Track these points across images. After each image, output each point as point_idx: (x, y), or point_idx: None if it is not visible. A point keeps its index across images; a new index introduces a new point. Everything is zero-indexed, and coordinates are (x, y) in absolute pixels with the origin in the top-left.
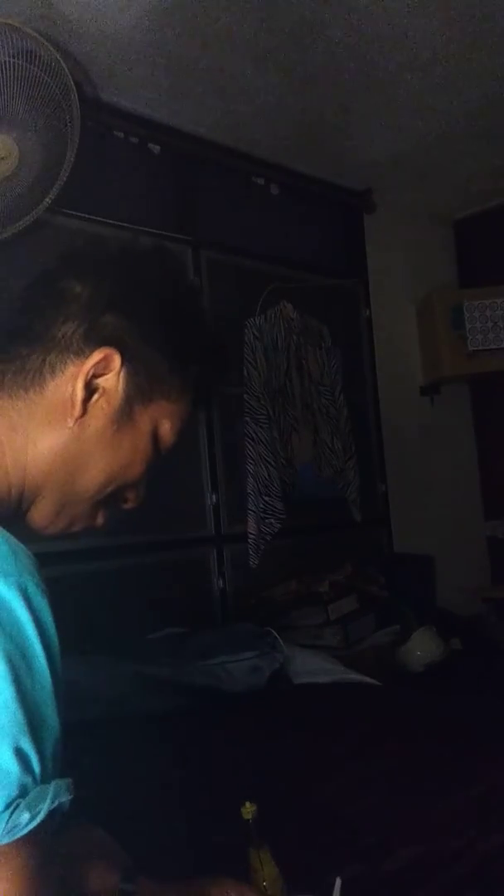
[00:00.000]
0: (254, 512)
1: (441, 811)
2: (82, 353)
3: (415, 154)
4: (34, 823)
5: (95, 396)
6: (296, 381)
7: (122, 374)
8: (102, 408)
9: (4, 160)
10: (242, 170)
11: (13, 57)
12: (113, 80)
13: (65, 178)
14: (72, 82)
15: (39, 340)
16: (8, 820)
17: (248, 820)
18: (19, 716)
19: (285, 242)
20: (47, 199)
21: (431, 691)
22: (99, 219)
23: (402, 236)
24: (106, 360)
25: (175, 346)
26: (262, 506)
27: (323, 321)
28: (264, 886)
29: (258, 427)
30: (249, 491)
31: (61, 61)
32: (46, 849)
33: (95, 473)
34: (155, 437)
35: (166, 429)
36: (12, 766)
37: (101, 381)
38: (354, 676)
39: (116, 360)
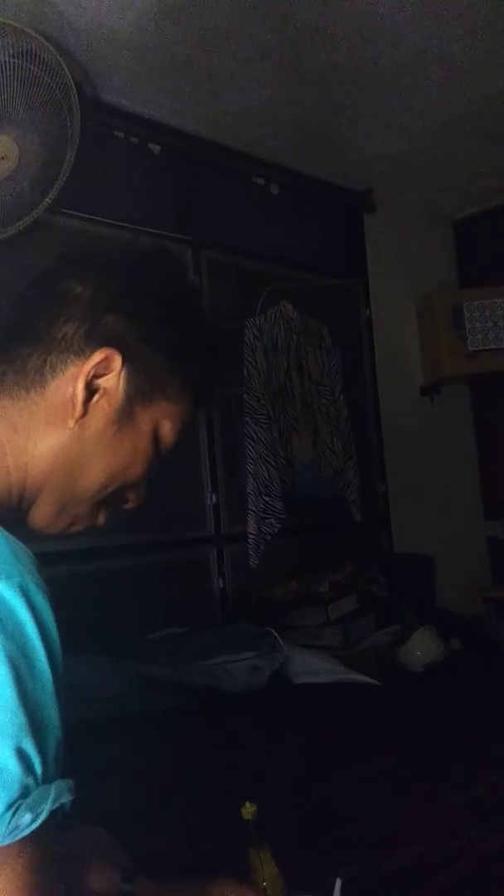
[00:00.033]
0: (254, 512)
1: (441, 811)
2: (83, 354)
3: (415, 154)
4: (36, 824)
5: (96, 397)
6: (296, 381)
7: (122, 374)
8: (103, 408)
9: (4, 160)
10: (242, 170)
11: (13, 57)
12: (113, 80)
13: (65, 178)
14: (72, 82)
15: (40, 341)
16: (10, 821)
17: (248, 820)
18: (21, 717)
19: (285, 242)
20: (47, 199)
21: (431, 691)
22: (99, 219)
23: (402, 236)
24: (107, 361)
25: (175, 347)
26: (262, 506)
27: (323, 321)
28: (264, 886)
29: (258, 427)
30: (249, 491)
31: (61, 61)
32: (47, 849)
33: (96, 474)
34: (155, 437)
35: (167, 429)
36: (14, 766)
37: (101, 382)
38: (354, 676)
39: (117, 360)
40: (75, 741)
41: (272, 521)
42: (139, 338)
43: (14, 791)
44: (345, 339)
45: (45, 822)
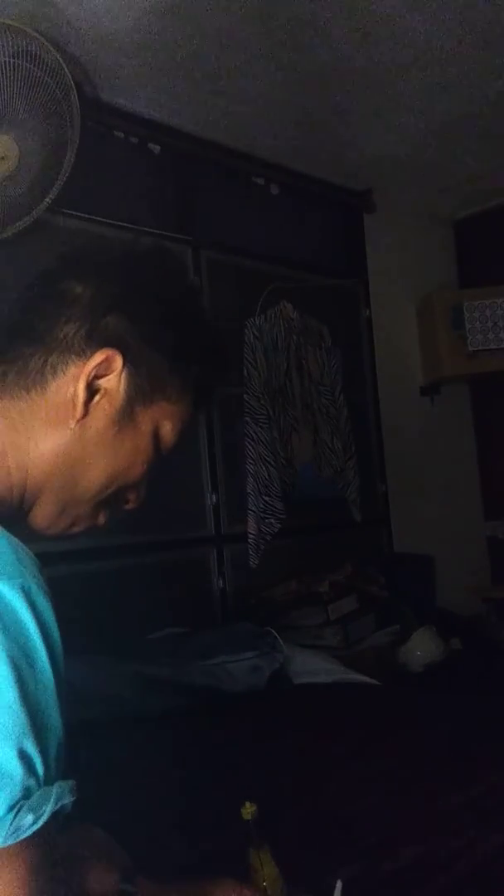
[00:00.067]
0: (254, 512)
1: (441, 811)
2: (84, 354)
3: (415, 154)
4: (37, 826)
5: (97, 397)
6: (296, 381)
7: (123, 375)
8: (104, 409)
9: (4, 160)
10: (242, 170)
11: (13, 57)
12: (113, 80)
13: (65, 178)
14: (72, 82)
15: (41, 341)
16: (12, 822)
17: (248, 820)
18: (23, 718)
19: (285, 242)
20: (47, 199)
21: (431, 691)
22: (99, 219)
23: (402, 236)
24: (108, 362)
25: (175, 347)
26: (262, 506)
27: (323, 321)
28: (264, 886)
29: (258, 427)
30: (249, 491)
31: (61, 61)
32: (49, 851)
33: (97, 474)
34: (156, 437)
35: (167, 430)
36: (16, 768)
37: (102, 382)
38: (354, 676)
39: (118, 361)
40: (75, 741)
41: (272, 521)
42: (139, 338)
43: (16, 792)
44: (345, 339)
45: (46, 824)
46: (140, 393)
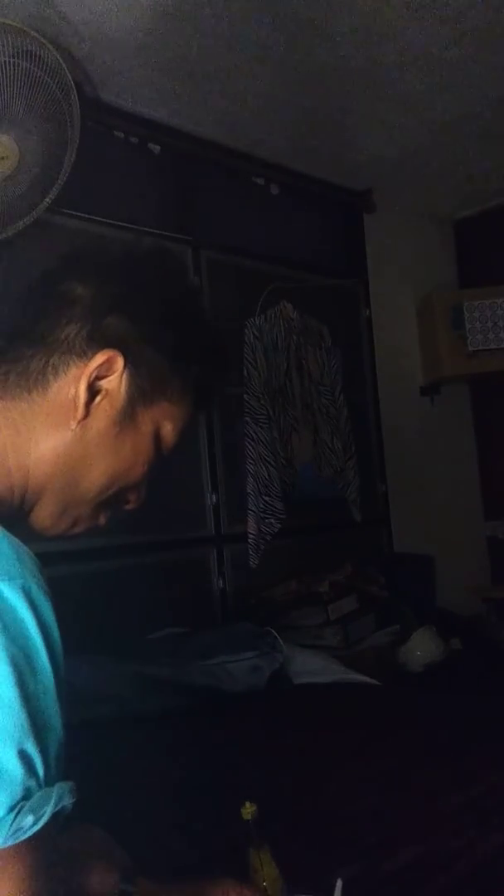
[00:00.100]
0: (254, 512)
1: (441, 811)
2: (85, 355)
3: (415, 154)
4: (38, 826)
5: (98, 398)
6: (296, 381)
7: (124, 375)
8: (105, 410)
9: (4, 160)
10: (242, 170)
11: (13, 57)
12: (113, 80)
13: (65, 178)
14: (72, 82)
15: (42, 342)
16: (12, 823)
17: (248, 820)
18: (23, 718)
19: (285, 242)
20: (47, 199)
21: (431, 691)
22: (99, 219)
23: (402, 236)
24: (109, 362)
25: (176, 347)
26: (262, 506)
27: (323, 321)
28: (264, 886)
29: (258, 427)
30: (249, 491)
31: (61, 61)
32: (49, 851)
33: (98, 475)
34: (157, 438)
35: (168, 430)
36: (16, 768)
37: (103, 383)
38: (354, 676)
39: (119, 362)
40: (75, 741)
41: (272, 521)
42: (140, 339)
43: (16, 793)
44: (345, 339)
45: (47, 825)
46: (141, 393)
